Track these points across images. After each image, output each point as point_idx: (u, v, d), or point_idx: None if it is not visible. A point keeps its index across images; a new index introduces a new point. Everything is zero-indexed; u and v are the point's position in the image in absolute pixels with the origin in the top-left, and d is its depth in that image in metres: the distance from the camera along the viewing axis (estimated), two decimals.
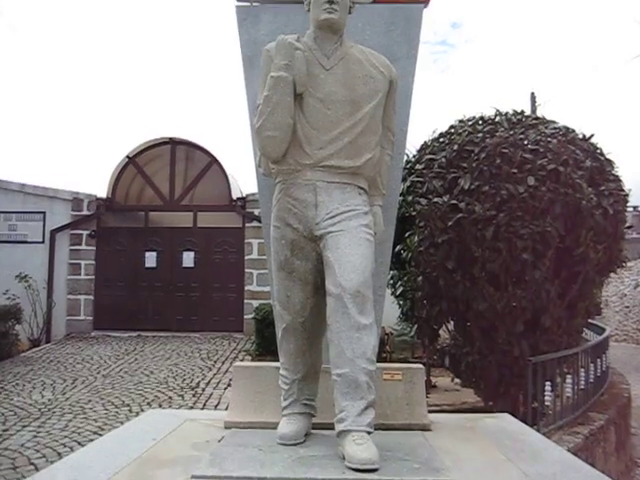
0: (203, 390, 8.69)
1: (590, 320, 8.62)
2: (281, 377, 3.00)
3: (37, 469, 5.52)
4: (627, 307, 18.92)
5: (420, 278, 6.32)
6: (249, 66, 3.68)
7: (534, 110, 21.89)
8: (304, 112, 2.86)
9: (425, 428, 3.19)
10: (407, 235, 6.36)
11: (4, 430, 6.94)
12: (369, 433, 2.55)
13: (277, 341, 3.06)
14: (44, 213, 14.37)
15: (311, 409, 2.98)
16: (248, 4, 3.85)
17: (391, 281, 6.87)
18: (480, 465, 2.55)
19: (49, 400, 8.25)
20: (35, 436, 6.70)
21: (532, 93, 21.71)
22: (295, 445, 2.76)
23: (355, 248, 2.72)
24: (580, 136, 6.75)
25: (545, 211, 5.90)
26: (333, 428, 2.62)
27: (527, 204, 5.81)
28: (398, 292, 6.82)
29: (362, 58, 3.01)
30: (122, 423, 6.75)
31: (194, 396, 8.33)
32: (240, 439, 2.87)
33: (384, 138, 3.10)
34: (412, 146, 7.08)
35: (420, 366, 3.52)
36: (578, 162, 6.26)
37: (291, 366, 2.97)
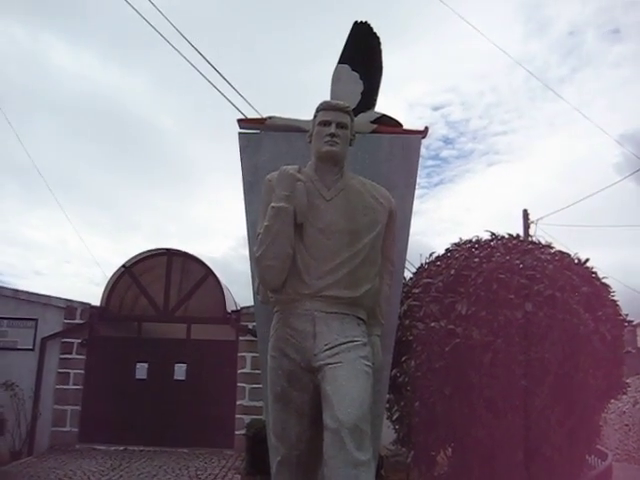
0: None
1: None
2: None
3: None
4: (627, 425, 18.45)
5: (417, 403, 6.19)
6: (250, 191, 3.76)
7: (527, 227, 22.29)
8: (304, 242, 2.89)
9: None
10: (404, 359, 6.27)
11: None
12: None
13: (272, 474, 2.95)
14: (36, 320, 14.29)
15: None
16: (251, 131, 3.98)
17: (387, 405, 6.71)
18: None
19: None
20: None
21: (525, 210, 22.21)
22: None
23: (353, 381, 2.68)
24: (576, 261, 6.80)
25: (543, 337, 5.86)
26: None
27: (524, 330, 5.77)
28: (394, 417, 6.66)
29: (362, 189, 3.08)
30: None
31: None
32: None
33: (383, 268, 3.12)
34: (410, 264, 7.12)
35: None
36: (574, 287, 6.27)
37: None
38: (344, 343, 2.79)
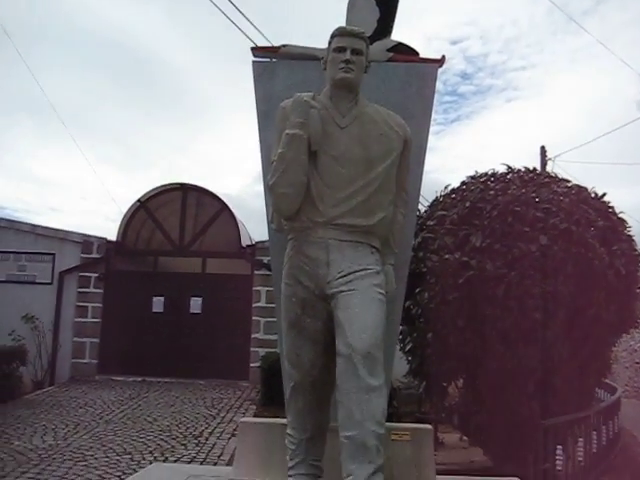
0: (206, 440, 8.55)
1: (607, 382, 8.52)
2: (288, 436, 2.94)
3: None
4: (637, 363, 18.63)
5: (430, 335, 6.26)
6: (264, 120, 3.71)
7: (544, 164, 22.01)
8: (318, 170, 2.87)
9: None
10: (417, 291, 6.32)
11: (2, 476, 6.81)
12: None
13: (285, 400, 3.01)
14: (54, 255, 14.42)
15: (317, 470, 2.91)
16: (265, 60, 3.91)
17: (400, 336, 6.80)
18: None
19: (50, 445, 8.13)
20: None
21: (542, 147, 21.85)
22: None
23: (366, 308, 2.69)
24: (592, 195, 6.75)
25: (557, 270, 5.87)
26: None
27: (539, 263, 5.78)
28: (407, 348, 6.75)
29: (377, 117, 3.03)
30: (123, 472, 6.65)
31: (197, 445, 8.20)
32: None
33: (397, 197, 3.09)
34: (423, 199, 7.10)
35: (428, 427, 3.46)
36: (590, 221, 6.25)
37: (299, 425, 2.91)
38: (357, 271, 2.79)
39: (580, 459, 6.49)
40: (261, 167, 3.66)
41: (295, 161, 2.83)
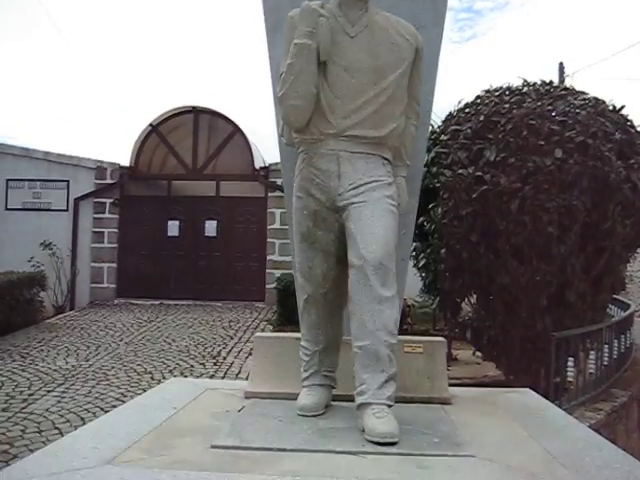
0: (224, 359, 8.75)
1: (615, 295, 8.53)
2: (302, 348, 2.98)
3: (61, 434, 5.59)
4: None
5: (443, 250, 6.26)
6: (272, 33, 3.59)
7: (562, 81, 21.49)
8: (328, 80, 2.80)
9: (445, 402, 3.16)
10: (431, 207, 6.29)
11: (29, 395, 7.05)
12: (389, 406, 2.52)
13: (298, 312, 3.04)
14: (68, 181, 14.47)
15: (331, 381, 2.96)
16: None
17: (414, 253, 6.82)
18: (501, 440, 2.52)
19: (73, 366, 8.36)
20: (59, 401, 6.80)
21: (560, 63, 21.31)
22: (315, 417, 2.74)
23: (378, 220, 2.67)
24: (610, 108, 6.60)
25: (572, 184, 5.81)
26: (353, 400, 2.60)
27: (554, 177, 5.71)
28: (421, 264, 6.78)
29: (388, 25, 2.93)
30: (144, 390, 6.83)
31: (215, 365, 8.39)
32: (260, 409, 2.87)
33: (409, 108, 3.02)
34: (437, 117, 6.99)
35: (442, 339, 3.48)
36: (607, 134, 6.13)
37: (312, 337, 2.94)
38: (369, 182, 2.75)
39: (591, 371, 6.59)
40: (271, 80, 3.58)
41: (304, 72, 2.75)
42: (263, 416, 2.74)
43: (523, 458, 2.28)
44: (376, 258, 2.58)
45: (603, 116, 6.26)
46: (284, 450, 2.29)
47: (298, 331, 3.09)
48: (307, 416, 2.74)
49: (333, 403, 2.95)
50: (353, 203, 2.72)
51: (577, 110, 6.07)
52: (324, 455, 2.26)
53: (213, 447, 2.30)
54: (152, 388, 3.65)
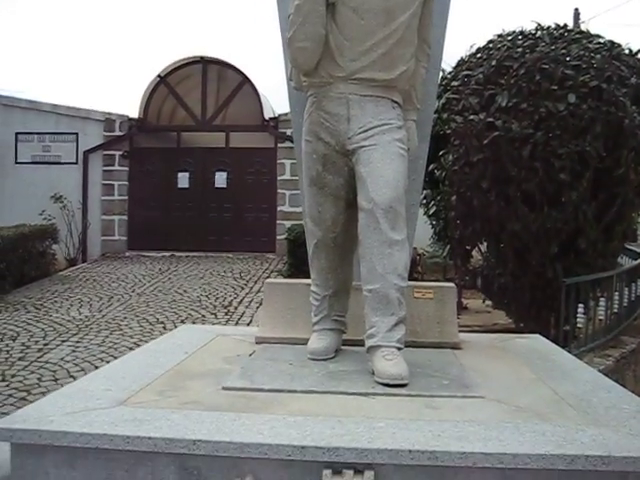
0: (235, 309, 8.83)
1: (626, 245, 8.50)
2: (312, 293, 2.99)
3: None
4: None
5: (454, 198, 6.23)
6: None
7: (577, 27, 21.01)
8: (336, 22, 2.74)
9: (455, 346, 3.17)
10: (441, 154, 6.24)
11: (44, 344, 7.16)
12: (399, 349, 2.53)
13: (308, 257, 3.03)
14: (77, 134, 14.43)
15: (341, 325, 2.97)
16: None
17: (424, 200, 6.78)
18: (510, 383, 2.53)
19: (86, 317, 8.46)
20: (74, 351, 6.91)
21: (576, 9, 20.83)
22: (325, 360, 2.77)
23: (388, 163, 2.64)
24: (626, 51, 6.47)
25: (585, 130, 5.72)
26: (363, 345, 2.61)
27: (566, 122, 5.63)
28: (431, 212, 6.75)
29: None
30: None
31: (227, 314, 8.47)
32: (271, 354, 2.89)
33: (419, 50, 2.95)
34: (447, 65, 6.86)
35: (452, 285, 3.48)
36: (623, 79, 6.02)
37: (322, 282, 2.95)
38: (379, 126, 2.71)
39: (601, 318, 6.60)
40: (279, 30, 3.50)
41: (312, 13, 2.69)
42: (274, 360, 2.76)
43: (531, 399, 2.29)
44: (386, 201, 2.57)
45: (618, 60, 6.13)
46: (294, 392, 2.32)
47: (308, 278, 3.09)
48: (317, 360, 2.76)
49: (343, 347, 2.97)
50: (363, 146, 2.69)
51: (592, 54, 5.95)
52: (334, 396, 2.28)
53: (224, 389, 2.33)
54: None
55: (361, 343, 2.66)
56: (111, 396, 2.21)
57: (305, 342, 2.89)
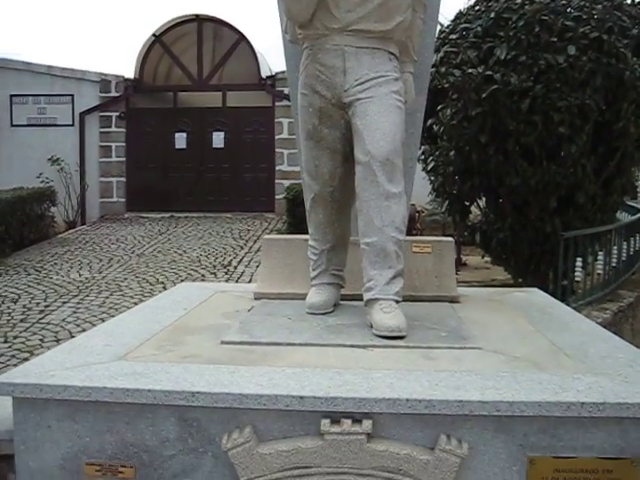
0: (235, 268, 8.85)
1: (627, 202, 8.50)
2: (310, 248, 2.98)
3: None
4: None
5: (452, 153, 6.19)
6: None
7: None
8: None
9: (454, 300, 3.18)
10: (439, 108, 6.17)
11: (46, 306, 7.20)
12: (397, 302, 2.54)
13: (306, 212, 3.02)
14: (72, 95, 14.31)
15: (340, 279, 2.98)
16: None
17: (422, 156, 6.74)
18: (507, 334, 2.54)
19: (86, 278, 8.49)
20: (75, 312, 6.95)
21: None
22: (324, 314, 2.78)
23: (385, 115, 2.61)
24: (628, 1, 6.36)
25: (585, 82, 5.66)
26: (362, 299, 2.62)
27: (566, 75, 5.56)
28: (429, 167, 6.70)
29: None
30: None
31: (226, 274, 8.50)
32: (269, 309, 2.91)
33: (416, 1, 2.90)
34: (445, 18, 6.75)
35: (450, 239, 3.48)
36: (624, 30, 5.93)
37: (320, 236, 2.94)
38: (375, 78, 2.68)
39: (599, 272, 6.62)
40: None
41: None
42: (272, 315, 2.77)
43: (529, 350, 2.31)
44: (383, 154, 2.55)
45: (620, 10, 6.03)
46: (293, 344, 2.33)
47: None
48: (316, 314, 2.77)
49: (342, 302, 2.98)
50: (359, 99, 2.65)
51: (592, 4, 5.85)
52: (332, 349, 2.29)
53: (223, 343, 2.34)
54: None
55: (360, 298, 2.67)
56: (111, 351, 2.22)
57: (304, 297, 2.90)
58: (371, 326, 2.50)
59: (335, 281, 2.96)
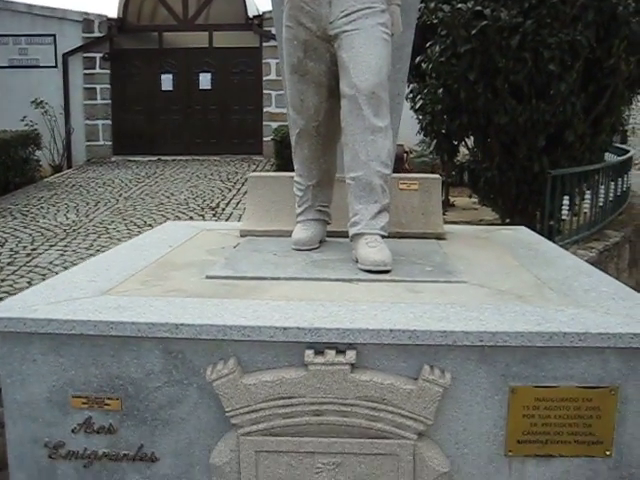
0: (223, 210, 8.82)
1: (615, 145, 8.47)
2: (295, 184, 2.96)
3: None
4: None
5: (440, 90, 6.12)
6: None
7: None
8: None
9: (440, 237, 3.18)
10: (428, 45, 6.07)
11: (32, 249, 7.17)
12: (382, 237, 2.53)
13: (292, 148, 2.98)
14: (54, 36, 13.98)
15: (325, 216, 2.96)
16: None
17: (410, 94, 6.65)
18: (492, 269, 2.55)
19: (73, 222, 8.44)
20: (62, 254, 6.92)
21: None
22: (309, 250, 2.77)
23: (371, 48, 2.55)
24: None
25: (576, 18, 5.57)
26: (348, 236, 2.61)
27: (557, 10, 5.46)
28: (417, 106, 6.62)
29: None
30: None
31: (214, 216, 8.47)
32: (255, 245, 2.90)
33: None
34: None
35: (437, 176, 3.46)
36: None
37: (305, 172, 2.91)
38: (361, 10, 2.60)
39: (586, 211, 6.64)
40: None
41: None
42: (258, 251, 2.76)
43: (513, 284, 2.32)
44: (369, 87, 2.50)
45: None
46: (278, 279, 2.33)
47: None
48: (301, 250, 2.76)
49: (328, 239, 2.96)
50: (345, 31, 2.59)
51: None
52: (317, 283, 2.29)
53: (208, 278, 2.34)
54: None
55: (346, 235, 2.65)
56: (95, 286, 2.21)
57: (290, 234, 2.88)
58: (356, 261, 2.50)
59: (321, 217, 2.94)
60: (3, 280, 6.11)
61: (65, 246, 7.26)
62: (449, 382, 1.82)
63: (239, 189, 10.25)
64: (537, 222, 6.37)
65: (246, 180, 10.88)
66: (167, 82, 14.02)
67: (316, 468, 1.89)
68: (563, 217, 6.16)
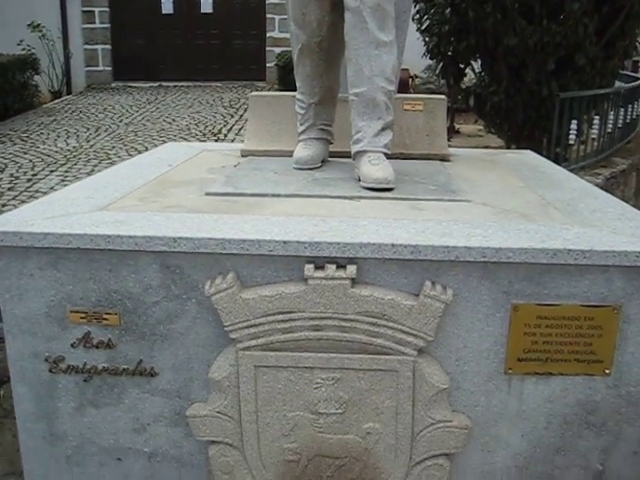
0: (225, 136, 8.73)
1: (626, 73, 8.26)
2: (297, 102, 2.88)
3: None
4: None
5: (448, 10, 5.93)
6: None
7: None
8: None
9: (444, 159, 3.12)
10: None
11: (33, 175, 7.12)
12: (386, 154, 2.48)
13: (294, 65, 2.89)
14: None
15: (328, 135, 2.89)
16: None
17: (417, 15, 6.46)
18: (497, 190, 2.51)
19: (74, 147, 8.36)
20: (63, 180, 6.88)
21: None
22: (311, 169, 2.72)
23: None
24: None
25: None
26: (351, 156, 2.56)
27: None
28: (424, 26, 6.43)
29: None
30: None
31: (216, 142, 8.37)
32: (256, 164, 2.85)
33: None
34: None
35: (442, 97, 3.37)
36: None
37: (307, 89, 2.82)
38: None
39: (594, 137, 6.53)
40: None
41: None
42: (259, 169, 2.72)
43: (518, 203, 2.28)
44: None
45: None
46: (278, 196, 2.29)
47: None
48: (303, 169, 2.71)
49: (330, 159, 2.91)
50: None
51: None
52: (319, 199, 2.26)
53: (207, 194, 2.30)
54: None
55: (348, 155, 2.60)
56: (92, 203, 2.18)
57: (291, 154, 2.83)
58: (359, 179, 2.45)
59: (323, 136, 2.87)
60: (4, 205, 6.08)
61: (66, 172, 7.21)
62: (450, 298, 1.80)
63: (242, 116, 10.11)
64: (543, 149, 6.27)
65: (248, 106, 10.77)
66: (167, 5, 13.65)
67: (315, 383, 1.89)
68: (570, 142, 6.06)
